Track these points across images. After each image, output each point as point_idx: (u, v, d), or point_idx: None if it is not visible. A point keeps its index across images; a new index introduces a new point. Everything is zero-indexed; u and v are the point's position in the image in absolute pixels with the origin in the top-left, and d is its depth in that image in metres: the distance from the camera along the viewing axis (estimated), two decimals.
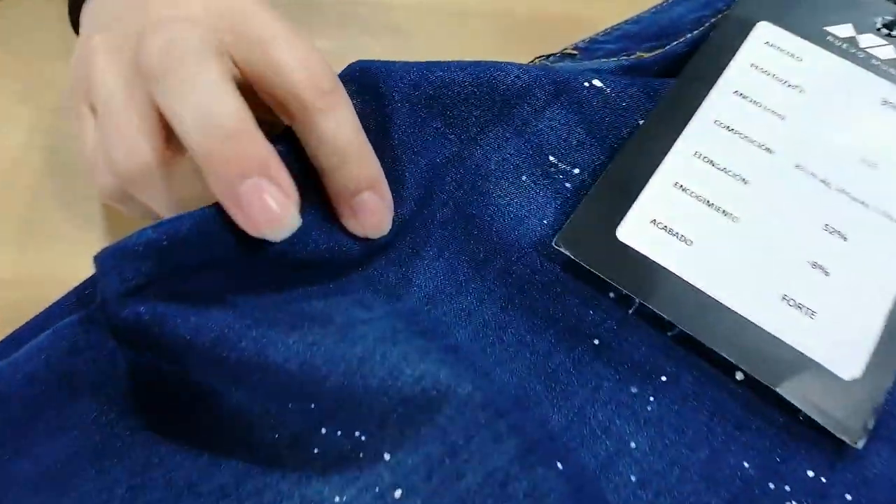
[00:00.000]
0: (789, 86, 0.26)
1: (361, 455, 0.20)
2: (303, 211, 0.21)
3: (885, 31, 0.28)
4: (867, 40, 0.28)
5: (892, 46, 0.28)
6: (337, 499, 0.20)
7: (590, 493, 0.20)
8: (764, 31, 0.28)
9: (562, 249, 0.24)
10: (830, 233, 0.24)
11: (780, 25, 0.28)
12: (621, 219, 0.24)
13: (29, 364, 0.20)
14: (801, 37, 0.28)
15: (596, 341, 0.24)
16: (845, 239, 0.24)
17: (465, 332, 0.24)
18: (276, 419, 0.21)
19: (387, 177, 0.24)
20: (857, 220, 0.24)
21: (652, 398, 0.23)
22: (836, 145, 0.25)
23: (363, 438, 0.20)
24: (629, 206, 0.24)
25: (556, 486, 0.19)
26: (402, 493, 0.19)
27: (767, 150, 0.25)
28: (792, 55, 0.27)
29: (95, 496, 0.20)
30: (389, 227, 0.24)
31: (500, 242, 0.25)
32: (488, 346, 0.24)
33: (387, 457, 0.20)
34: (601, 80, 0.26)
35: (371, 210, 0.23)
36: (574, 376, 0.23)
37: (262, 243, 0.21)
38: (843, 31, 0.28)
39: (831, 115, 0.26)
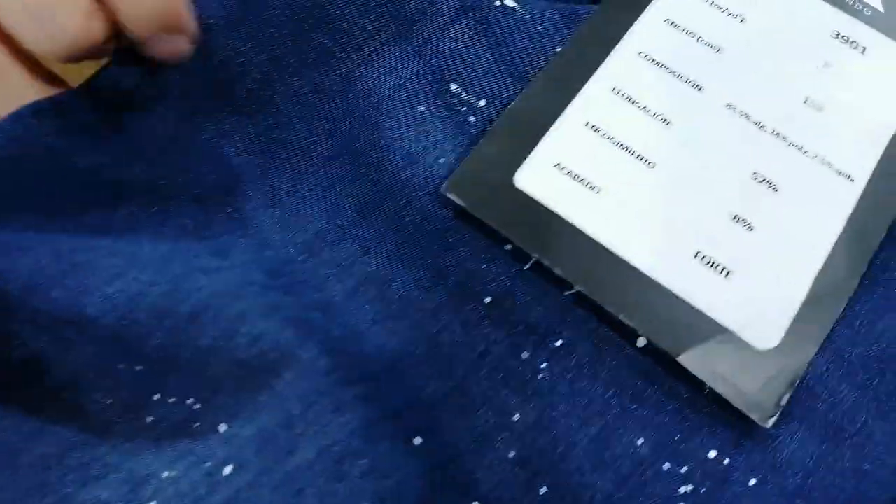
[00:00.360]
0: (729, 14, 0.23)
1: (196, 425, 0.18)
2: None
3: None
4: None
5: None
6: (165, 474, 0.17)
7: (452, 473, 0.18)
8: None
9: (451, 196, 0.21)
10: (759, 182, 0.21)
11: None
12: (521, 162, 0.21)
13: None
14: None
15: (487, 299, 0.21)
16: (776, 190, 0.21)
17: (344, 285, 0.21)
18: (107, 383, 0.18)
19: (258, 98, 0.21)
20: (793, 169, 0.21)
21: (544, 365, 0.20)
22: (777, 83, 0.22)
23: (197, 406, 0.18)
24: (532, 148, 0.21)
25: (403, 464, 0.16)
26: (231, 470, 0.17)
27: (697, 87, 0.22)
28: None
29: None
30: (188, 51, 0.21)
31: (391, 183, 0.22)
32: (368, 301, 0.21)
33: (222, 428, 0.17)
34: (514, 0, 0.22)
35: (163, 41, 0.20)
36: (461, 338, 0.21)
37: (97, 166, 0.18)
38: None
39: (775, 49, 0.23)
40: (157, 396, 0.18)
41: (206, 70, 0.22)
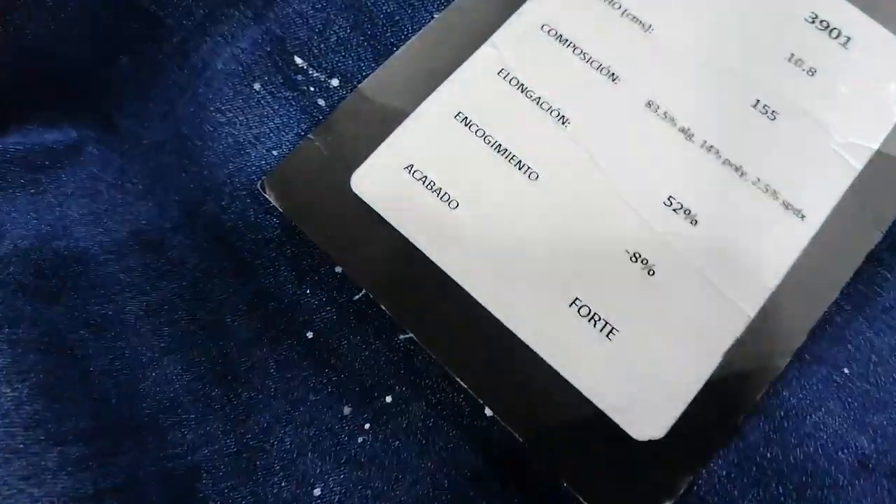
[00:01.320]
0: None
1: None
2: None
3: None
4: None
5: None
6: None
7: None
8: None
9: (266, 194, 0.16)
10: (674, 209, 0.16)
11: None
12: (363, 159, 0.16)
13: None
14: None
15: (310, 334, 0.16)
16: (694, 223, 0.16)
17: (148, 298, 0.17)
18: None
19: (80, 84, 0.17)
20: (722, 196, 0.16)
21: (368, 426, 0.16)
22: (720, 76, 0.17)
23: None
24: (380, 142, 0.16)
25: None
26: None
27: (611, 75, 0.17)
28: None
29: None
30: None
31: (212, 178, 0.17)
32: (168, 324, 0.17)
33: None
34: None
35: None
36: (272, 382, 0.16)
37: None
38: None
39: (724, 29, 0.17)
40: None
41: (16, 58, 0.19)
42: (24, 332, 0.15)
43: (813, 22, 0.17)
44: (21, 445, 0.13)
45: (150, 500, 0.14)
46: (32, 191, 0.19)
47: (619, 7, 0.17)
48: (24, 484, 0.13)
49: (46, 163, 0.19)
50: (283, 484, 0.15)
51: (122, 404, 0.15)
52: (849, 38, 0.17)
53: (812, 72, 0.17)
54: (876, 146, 0.16)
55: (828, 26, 0.17)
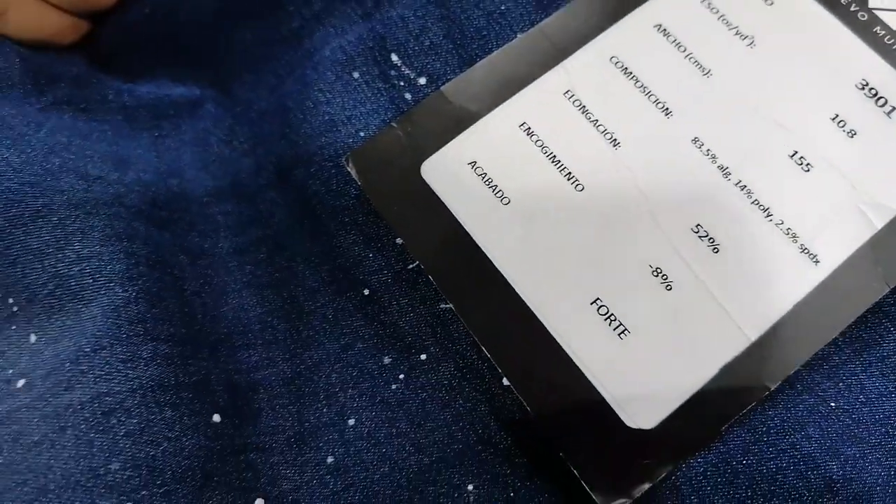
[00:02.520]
0: (738, 34, 0.19)
1: (13, 328, 0.17)
2: None
3: None
4: (884, 1, 0.20)
5: None
6: None
7: (250, 459, 0.16)
8: None
9: (349, 168, 0.19)
10: (700, 236, 0.18)
11: None
12: (435, 151, 0.19)
13: None
14: None
15: (366, 291, 0.19)
16: (716, 250, 0.17)
17: (236, 240, 0.20)
18: None
19: (205, 50, 0.22)
20: (747, 231, 0.18)
21: (402, 376, 0.18)
22: (764, 127, 0.18)
23: (15, 309, 0.17)
24: (451, 138, 0.19)
25: (182, 438, 0.15)
26: (22, 384, 0.16)
27: (665, 109, 0.19)
28: None
29: None
30: None
31: (307, 147, 0.20)
32: (252, 263, 0.20)
33: (32, 338, 0.17)
34: None
35: None
36: (329, 326, 0.19)
37: None
38: None
39: (777, 85, 0.19)
40: None
41: (150, 20, 0.22)
42: (137, 248, 0.18)
43: (862, 88, 0.19)
44: (125, 335, 0.17)
45: (216, 401, 0.17)
46: (156, 134, 0.22)
47: (685, 50, 0.19)
48: (123, 366, 0.16)
49: (171, 112, 0.22)
50: (324, 410, 0.18)
51: (206, 320, 0.18)
52: (893, 108, 0.19)
53: (852, 133, 0.18)
54: None
55: (875, 94, 0.19)
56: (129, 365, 0.16)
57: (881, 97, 0.19)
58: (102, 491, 0.15)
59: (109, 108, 0.22)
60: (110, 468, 0.15)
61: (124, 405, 0.15)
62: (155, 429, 0.15)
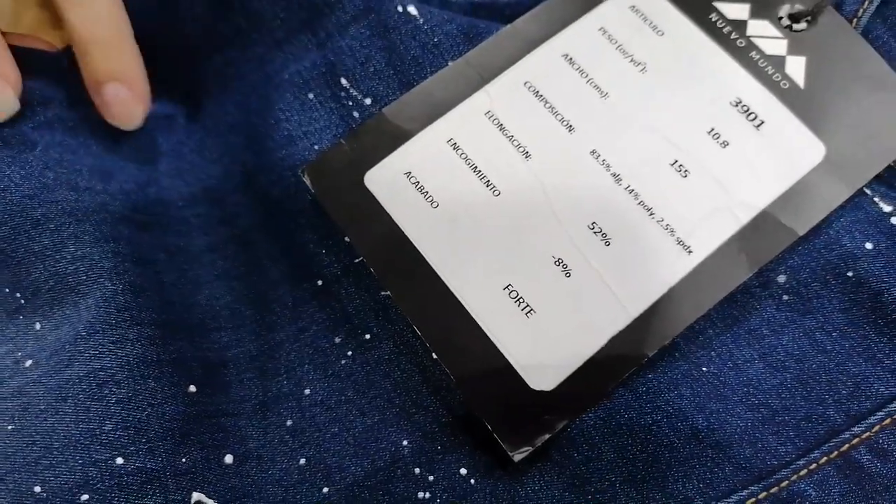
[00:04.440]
0: (632, 61, 0.23)
1: (21, 318, 0.20)
2: None
3: (787, 21, 0.24)
4: (759, 28, 0.23)
5: (785, 42, 0.23)
6: None
7: (222, 423, 0.20)
8: None
9: (304, 179, 0.22)
10: (595, 231, 0.21)
11: None
12: (376, 163, 0.22)
13: None
14: (680, 7, 0.24)
15: (319, 282, 0.22)
16: (608, 244, 0.21)
17: (207, 238, 0.24)
18: None
19: (179, 71, 0.23)
20: (633, 227, 0.21)
21: (350, 353, 0.22)
22: (651, 139, 0.22)
23: (22, 302, 0.20)
24: (390, 152, 0.22)
25: (163, 405, 0.19)
26: (30, 364, 0.20)
27: (569, 126, 0.22)
28: (654, 27, 0.23)
29: None
30: (140, 119, 0.24)
31: (270, 159, 0.24)
32: (222, 258, 0.23)
33: (37, 326, 0.20)
34: (417, 8, 0.23)
35: (116, 102, 0.23)
36: (288, 311, 0.22)
37: None
38: (736, 11, 0.24)
39: (663, 105, 0.22)
40: None
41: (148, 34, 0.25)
42: (122, 248, 0.22)
43: (736, 105, 0.22)
44: (114, 321, 0.20)
45: (192, 374, 0.20)
46: (135, 146, 0.25)
47: (587, 76, 0.23)
48: (113, 346, 0.19)
49: (149, 126, 0.25)
50: (284, 382, 0.21)
51: (182, 308, 0.22)
52: (763, 122, 0.22)
53: (725, 144, 0.22)
54: (762, 206, 0.21)
55: (747, 110, 0.22)
56: (118, 345, 0.19)
57: (752, 112, 0.22)
58: (98, 448, 0.18)
59: (94, 126, 0.25)
60: (104, 429, 0.18)
61: (115, 378, 0.19)
62: (140, 397, 0.19)
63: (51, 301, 0.20)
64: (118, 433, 0.18)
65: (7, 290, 0.21)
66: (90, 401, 0.18)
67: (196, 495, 0.19)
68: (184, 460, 0.19)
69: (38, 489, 0.18)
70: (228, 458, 0.20)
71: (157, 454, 0.18)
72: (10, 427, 0.19)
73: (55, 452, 0.18)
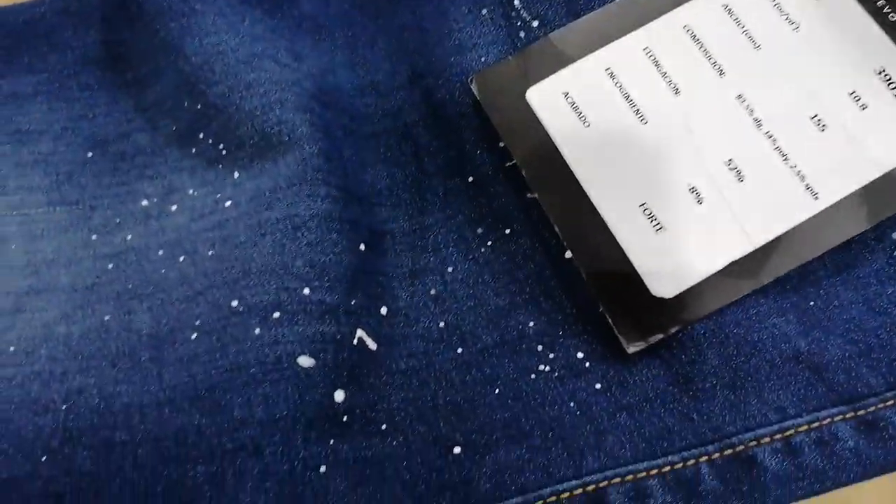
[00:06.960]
0: (788, 20, 0.25)
1: (220, 166, 0.24)
2: None
3: None
4: None
5: None
6: (191, 191, 0.24)
7: (377, 281, 0.23)
8: None
9: (471, 86, 0.25)
10: (730, 168, 0.23)
11: None
12: (538, 81, 0.25)
13: None
14: None
15: (471, 178, 0.25)
16: (741, 180, 0.23)
17: (373, 126, 0.27)
18: (176, 103, 0.25)
19: None
20: (766, 169, 0.23)
21: (490, 243, 0.25)
22: (795, 93, 0.24)
23: (224, 152, 0.24)
24: (552, 73, 0.25)
25: (342, 251, 0.22)
26: (229, 204, 0.23)
27: (720, 70, 0.24)
28: None
29: None
30: None
31: (438, 62, 0.26)
32: (384, 146, 0.26)
33: (236, 175, 0.24)
34: None
35: None
36: (439, 200, 0.25)
37: None
38: None
39: (811, 63, 0.24)
40: (201, 135, 0.24)
41: None
42: (314, 119, 0.25)
43: (879, 73, 0.24)
44: (309, 178, 0.23)
45: (361, 235, 0.24)
46: (317, 38, 0.28)
47: (743, 27, 0.25)
48: (307, 199, 0.23)
49: (327, 23, 0.28)
50: (430, 258, 0.25)
51: (355, 181, 0.25)
52: None
53: (864, 107, 0.24)
54: (890, 167, 0.23)
55: (889, 79, 0.24)
56: (311, 199, 0.23)
57: (893, 82, 0.24)
58: (289, 278, 0.22)
59: (284, 15, 0.28)
60: (296, 264, 0.22)
61: (307, 225, 0.22)
62: (325, 244, 0.22)
63: (252, 155, 0.24)
64: (307, 269, 0.22)
65: (210, 141, 0.24)
66: (286, 239, 0.22)
67: (360, 332, 0.22)
68: (353, 302, 0.22)
69: (234, 303, 0.22)
70: (384, 310, 0.23)
71: (335, 292, 0.22)
72: (209, 252, 0.23)
73: (252, 276, 0.22)
